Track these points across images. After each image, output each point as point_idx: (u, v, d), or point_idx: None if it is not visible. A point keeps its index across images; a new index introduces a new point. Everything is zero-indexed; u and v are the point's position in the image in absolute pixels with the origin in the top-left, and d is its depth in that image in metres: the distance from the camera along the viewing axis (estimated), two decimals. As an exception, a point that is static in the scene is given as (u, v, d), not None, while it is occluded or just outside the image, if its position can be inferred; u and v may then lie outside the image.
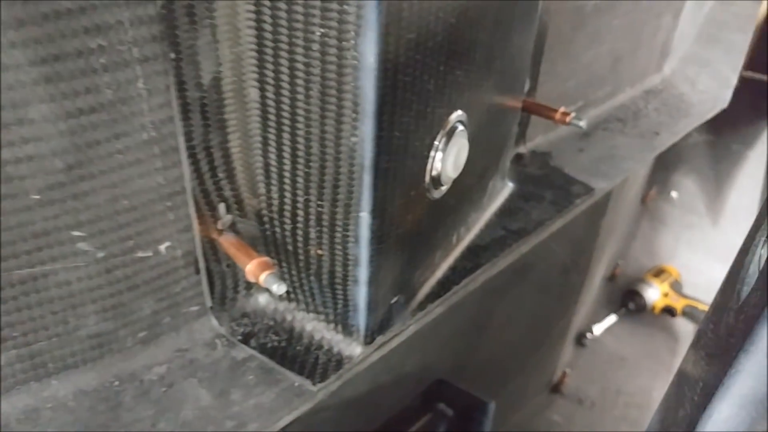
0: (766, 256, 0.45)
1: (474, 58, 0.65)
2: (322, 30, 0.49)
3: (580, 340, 2.21)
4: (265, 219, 0.65)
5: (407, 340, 0.75)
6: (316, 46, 0.50)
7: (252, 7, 0.52)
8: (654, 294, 2.38)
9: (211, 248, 0.65)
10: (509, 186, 0.92)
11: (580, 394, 2.02)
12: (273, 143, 0.59)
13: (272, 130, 0.58)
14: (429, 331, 0.80)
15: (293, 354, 0.68)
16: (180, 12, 0.51)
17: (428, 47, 0.55)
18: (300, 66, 0.52)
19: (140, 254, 0.59)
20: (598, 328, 2.28)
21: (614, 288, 2.36)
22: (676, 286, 2.43)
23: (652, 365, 2.22)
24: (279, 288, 0.61)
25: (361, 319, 0.65)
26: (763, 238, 0.47)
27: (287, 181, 0.60)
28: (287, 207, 0.62)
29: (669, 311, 2.39)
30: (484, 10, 0.63)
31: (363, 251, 0.60)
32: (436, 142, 0.63)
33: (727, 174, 2.21)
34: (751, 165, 2.13)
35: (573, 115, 0.93)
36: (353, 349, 0.67)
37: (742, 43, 1.38)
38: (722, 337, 0.47)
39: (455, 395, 1.23)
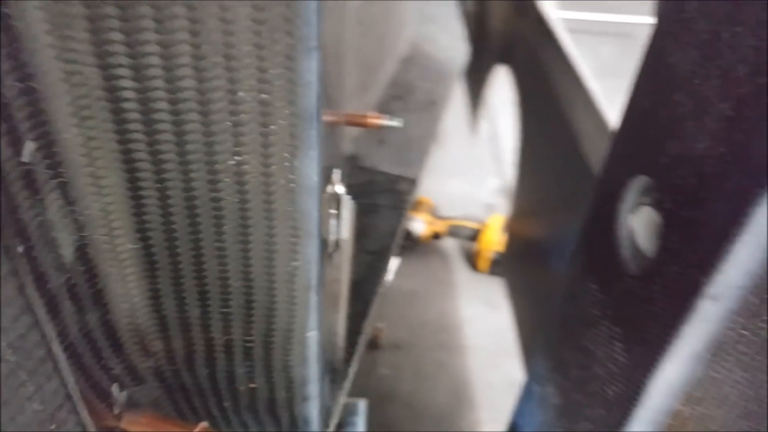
0: (658, 223, 0.48)
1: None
2: (237, 149, 0.38)
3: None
4: (167, 375, 0.52)
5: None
6: (230, 172, 0.39)
7: (117, 146, 0.38)
8: (419, 226, 2.59)
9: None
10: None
11: (395, 341, 2.14)
12: (170, 293, 0.46)
13: (166, 279, 0.45)
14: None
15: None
16: (17, 187, 0.35)
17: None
18: (200, 196, 0.40)
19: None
20: (389, 275, 2.41)
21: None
22: (434, 212, 2.68)
23: (437, 287, 2.44)
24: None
25: (314, 426, 0.57)
26: (643, 204, 0.52)
27: (195, 327, 0.48)
28: (199, 355, 0.50)
29: (435, 236, 2.63)
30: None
31: (312, 369, 0.52)
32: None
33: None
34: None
35: (385, 117, 0.91)
36: None
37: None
38: (622, 301, 0.50)
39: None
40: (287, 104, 0.34)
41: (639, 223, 0.53)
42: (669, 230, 0.44)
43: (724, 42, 0.40)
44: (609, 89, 1.12)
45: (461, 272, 2.53)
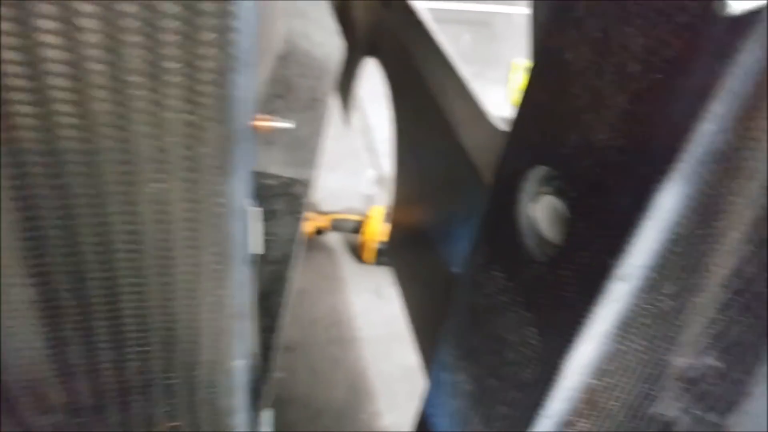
0: (562, 211, 0.52)
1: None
2: (159, 176, 0.35)
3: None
4: (71, 429, 0.47)
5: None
6: (151, 201, 0.36)
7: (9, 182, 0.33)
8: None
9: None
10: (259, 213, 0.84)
11: (287, 343, 2.11)
12: (76, 339, 0.41)
13: (70, 325, 0.40)
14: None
15: None
16: None
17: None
18: (115, 230, 0.37)
19: None
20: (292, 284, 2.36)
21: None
22: (315, 207, 2.66)
23: (325, 283, 2.44)
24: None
25: None
26: (545, 193, 0.55)
27: (107, 372, 0.44)
28: (111, 401, 0.46)
29: (318, 231, 2.61)
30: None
31: (238, 399, 0.49)
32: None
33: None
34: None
35: (275, 119, 0.88)
36: None
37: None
38: (532, 287, 0.53)
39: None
40: (218, 124, 0.32)
41: (541, 212, 0.56)
42: (575, 218, 0.47)
43: (615, 41, 0.42)
44: (470, 76, 1.16)
45: (348, 265, 2.54)
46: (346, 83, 2.17)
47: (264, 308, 0.67)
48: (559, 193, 0.52)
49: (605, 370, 0.48)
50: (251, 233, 0.52)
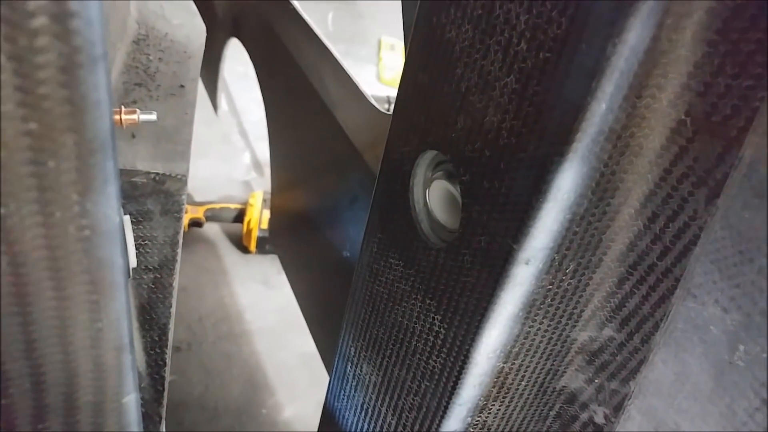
0: (456, 195, 0.52)
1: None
2: None
3: (143, 295, 2.13)
4: None
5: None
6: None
7: None
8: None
9: None
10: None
11: (175, 344, 2.00)
12: None
13: None
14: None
15: None
16: None
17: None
18: None
19: None
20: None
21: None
22: (189, 199, 2.53)
23: (208, 277, 2.33)
24: None
25: None
26: (437, 178, 0.55)
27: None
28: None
29: (196, 224, 2.49)
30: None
31: None
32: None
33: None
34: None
35: (139, 111, 0.80)
36: None
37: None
38: (431, 274, 0.52)
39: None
40: (68, 132, 0.26)
41: (435, 197, 0.54)
42: (469, 202, 0.46)
43: (500, 18, 0.41)
44: (340, 54, 1.14)
45: (231, 257, 2.45)
46: (210, 66, 2.06)
47: (148, 322, 0.61)
48: (451, 177, 0.51)
49: (514, 352, 0.48)
50: (127, 245, 0.46)
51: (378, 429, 0.65)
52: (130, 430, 0.41)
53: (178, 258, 0.67)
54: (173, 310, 0.64)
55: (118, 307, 0.33)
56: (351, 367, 0.72)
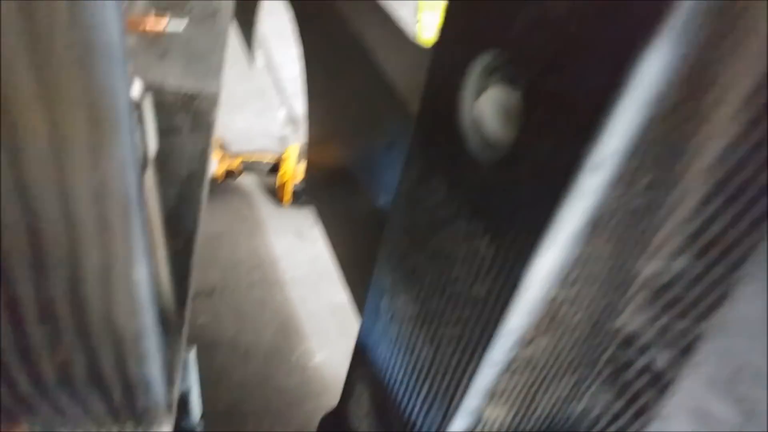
0: (514, 102, 0.46)
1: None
2: None
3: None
4: None
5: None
6: None
7: None
8: (212, 165, 2.41)
9: None
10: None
11: (208, 287, 2.01)
12: None
13: None
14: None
15: None
16: None
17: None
18: None
19: None
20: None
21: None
22: (225, 149, 2.52)
23: (243, 226, 2.33)
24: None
25: (157, 389, 0.46)
26: (490, 85, 0.49)
27: None
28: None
29: (231, 174, 2.48)
30: None
31: (146, 318, 0.40)
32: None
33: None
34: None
35: (166, 19, 0.76)
36: (158, 428, 0.48)
37: None
38: (480, 194, 0.48)
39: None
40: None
41: (486, 109, 0.49)
42: (531, 106, 0.41)
43: None
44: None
45: (266, 208, 2.43)
46: (247, 20, 2.02)
47: (174, 231, 0.57)
48: (507, 82, 0.46)
49: (570, 278, 0.43)
50: (145, 124, 0.42)
51: (413, 362, 0.61)
52: (143, 308, 0.37)
53: (207, 174, 0.64)
54: (198, 224, 0.61)
55: (123, 155, 0.29)
56: (386, 301, 0.69)
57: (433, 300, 0.55)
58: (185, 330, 0.56)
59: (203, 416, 0.98)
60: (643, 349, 0.51)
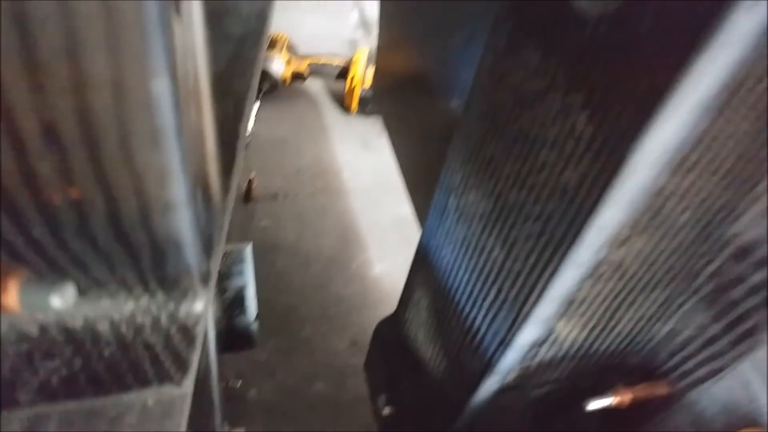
0: None
1: None
2: None
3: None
4: None
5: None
6: None
7: None
8: (279, 67, 2.35)
9: None
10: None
11: (271, 191, 2.00)
12: None
13: None
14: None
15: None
16: None
17: None
18: None
19: None
20: (249, 123, 2.20)
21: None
22: (293, 50, 2.44)
23: (308, 132, 2.29)
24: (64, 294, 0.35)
25: (188, 250, 0.41)
26: None
27: None
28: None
29: (298, 77, 2.41)
30: None
31: (171, 154, 0.33)
32: None
33: None
34: None
35: None
36: (192, 304, 0.44)
37: None
38: (579, 61, 0.40)
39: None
40: None
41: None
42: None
43: None
44: None
45: (331, 114, 2.37)
46: None
47: (224, 90, 0.52)
48: None
49: (686, 164, 0.35)
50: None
51: (481, 264, 0.55)
52: (167, 139, 0.31)
53: (264, 35, 0.57)
54: (251, 87, 0.55)
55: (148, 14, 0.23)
56: (454, 199, 0.62)
57: (512, 193, 0.48)
58: (230, 200, 0.51)
59: (258, 316, 0.97)
60: (760, 265, 0.43)
